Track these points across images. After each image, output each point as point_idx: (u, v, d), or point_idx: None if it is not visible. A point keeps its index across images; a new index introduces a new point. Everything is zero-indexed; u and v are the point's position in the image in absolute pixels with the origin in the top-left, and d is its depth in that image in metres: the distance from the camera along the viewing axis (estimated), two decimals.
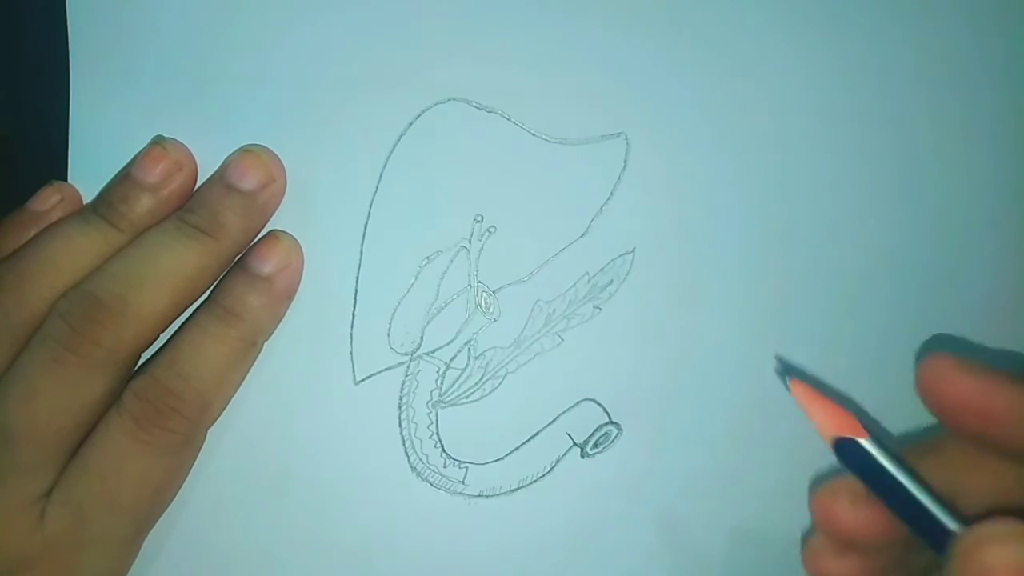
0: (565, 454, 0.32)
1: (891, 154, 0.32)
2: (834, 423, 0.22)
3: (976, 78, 0.32)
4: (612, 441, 0.32)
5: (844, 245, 0.32)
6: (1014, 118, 0.32)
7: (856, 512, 0.23)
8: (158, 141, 0.31)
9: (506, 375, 0.32)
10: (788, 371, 0.28)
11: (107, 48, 0.31)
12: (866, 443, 0.21)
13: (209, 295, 0.31)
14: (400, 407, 0.32)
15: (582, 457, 0.32)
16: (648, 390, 0.32)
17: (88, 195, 0.31)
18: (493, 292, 0.32)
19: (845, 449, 0.21)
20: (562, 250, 0.32)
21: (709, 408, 0.32)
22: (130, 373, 0.30)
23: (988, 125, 0.32)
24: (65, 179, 0.31)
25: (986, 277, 0.32)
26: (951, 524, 0.20)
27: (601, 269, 0.32)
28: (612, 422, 0.32)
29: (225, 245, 0.30)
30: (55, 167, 0.31)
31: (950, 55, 0.32)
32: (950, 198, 0.32)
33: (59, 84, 0.31)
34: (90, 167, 0.32)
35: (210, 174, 0.31)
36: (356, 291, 0.32)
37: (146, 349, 0.30)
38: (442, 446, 0.32)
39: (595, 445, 0.32)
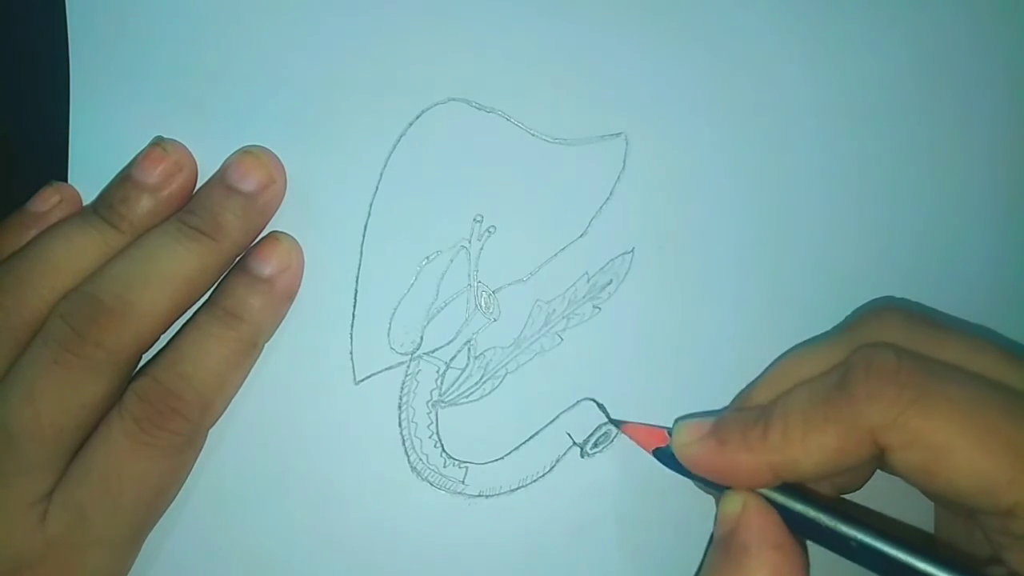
0: (565, 454, 0.32)
1: (890, 153, 0.32)
2: (651, 439, 0.30)
3: (976, 78, 0.32)
4: (612, 441, 0.32)
5: (843, 244, 0.32)
6: (1013, 118, 0.32)
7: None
8: (158, 142, 0.31)
9: (506, 375, 0.32)
10: (616, 424, 0.32)
11: (107, 48, 0.31)
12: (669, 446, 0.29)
13: (210, 296, 0.31)
14: (400, 407, 0.32)
15: (582, 457, 0.32)
16: (648, 389, 0.32)
17: (88, 195, 0.32)
18: (493, 292, 0.32)
19: (661, 453, 0.30)
20: (562, 250, 0.32)
21: (708, 407, 0.32)
22: (131, 374, 0.30)
23: (987, 125, 0.32)
24: (65, 179, 0.31)
25: (985, 276, 0.32)
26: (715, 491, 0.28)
27: (600, 269, 0.32)
28: (612, 421, 0.32)
29: (225, 246, 0.30)
30: (55, 167, 0.31)
31: (950, 56, 0.32)
32: (949, 198, 0.32)
33: (59, 84, 0.31)
34: (90, 167, 0.32)
35: (211, 175, 0.31)
36: (356, 291, 0.32)
37: (147, 350, 0.30)
38: (442, 446, 0.32)
39: (595, 445, 0.32)
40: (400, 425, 0.32)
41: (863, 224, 0.32)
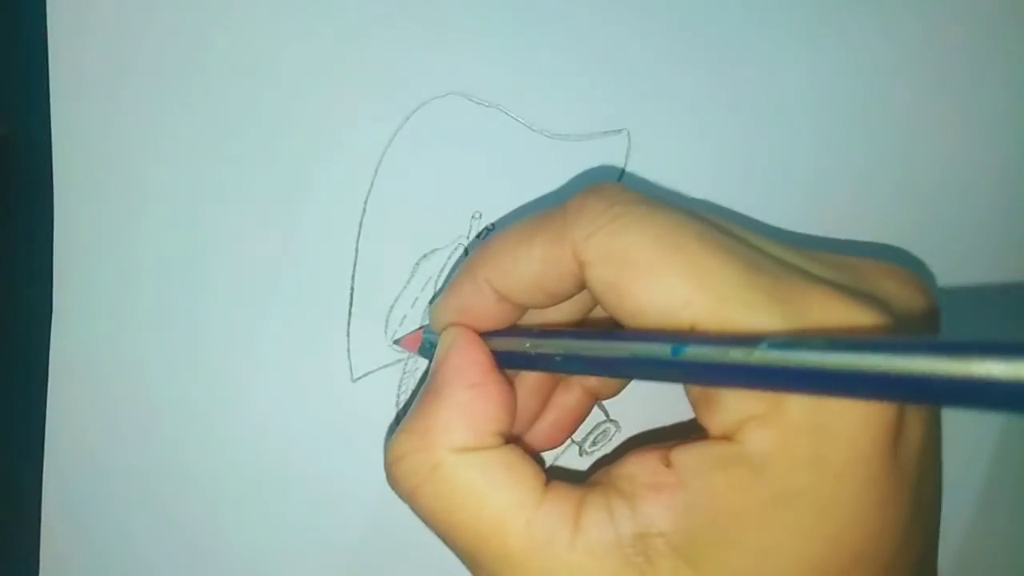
0: (563, 452, 0.32)
1: (895, 152, 0.32)
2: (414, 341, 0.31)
3: (978, 77, 0.31)
4: (610, 439, 0.32)
5: (847, 244, 0.32)
6: (1014, 116, 0.32)
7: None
8: None
9: None
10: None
11: (91, 45, 0.30)
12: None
13: None
14: (398, 405, 0.32)
15: (580, 455, 0.32)
16: (647, 387, 0.32)
17: (74, 195, 0.30)
18: None
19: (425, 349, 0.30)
20: None
21: None
22: None
23: (988, 124, 0.32)
24: (51, 179, 0.30)
25: (985, 275, 0.32)
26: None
27: None
28: (610, 420, 0.32)
29: None
30: (39, 167, 0.30)
31: (953, 55, 0.31)
32: (953, 198, 0.32)
33: (39, 81, 0.30)
34: (75, 166, 0.30)
35: (205, 172, 0.30)
36: (352, 288, 0.32)
37: None
38: None
39: (593, 443, 0.32)
40: (398, 423, 0.32)
41: (867, 222, 0.32)
